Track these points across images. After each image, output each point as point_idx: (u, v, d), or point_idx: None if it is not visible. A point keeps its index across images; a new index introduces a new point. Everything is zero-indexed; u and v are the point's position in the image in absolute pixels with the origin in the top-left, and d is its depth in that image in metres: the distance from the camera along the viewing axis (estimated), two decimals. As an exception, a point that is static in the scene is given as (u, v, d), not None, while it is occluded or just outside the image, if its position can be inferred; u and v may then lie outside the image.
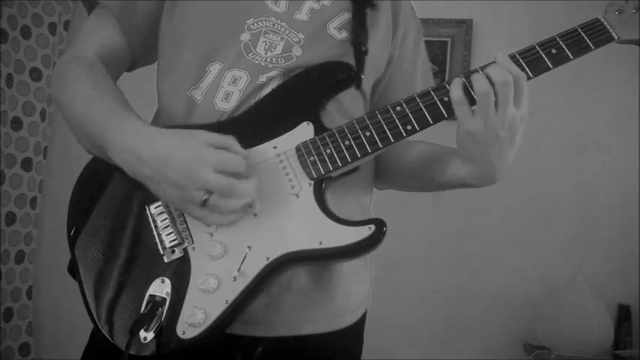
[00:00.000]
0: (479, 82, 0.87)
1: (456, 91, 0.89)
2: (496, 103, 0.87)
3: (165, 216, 0.92)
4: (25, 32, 2.55)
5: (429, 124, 0.93)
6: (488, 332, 2.45)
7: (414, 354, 2.45)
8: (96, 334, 0.92)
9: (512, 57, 0.92)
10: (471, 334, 2.47)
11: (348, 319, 1.04)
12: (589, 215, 2.44)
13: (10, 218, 2.54)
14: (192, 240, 0.90)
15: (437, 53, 2.56)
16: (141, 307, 0.88)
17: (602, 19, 0.95)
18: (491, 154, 0.90)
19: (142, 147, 0.86)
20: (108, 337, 0.89)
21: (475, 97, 0.88)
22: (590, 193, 2.45)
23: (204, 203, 0.83)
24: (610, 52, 2.38)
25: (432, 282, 2.51)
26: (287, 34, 1.01)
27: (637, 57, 2.29)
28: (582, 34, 0.94)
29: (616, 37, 0.94)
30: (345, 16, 1.05)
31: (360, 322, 1.08)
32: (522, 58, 0.92)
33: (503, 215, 2.49)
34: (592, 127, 2.47)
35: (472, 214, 2.51)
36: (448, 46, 2.57)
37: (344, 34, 1.04)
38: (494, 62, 0.90)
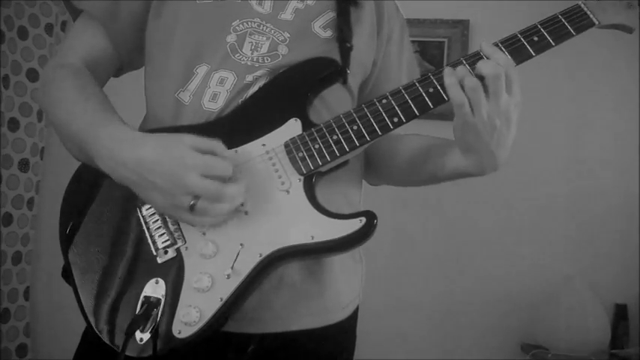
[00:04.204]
0: (467, 78, 0.88)
1: (456, 92, 0.89)
2: (488, 94, 0.88)
3: (156, 217, 0.92)
4: (22, 33, 2.55)
5: (415, 116, 0.94)
6: (485, 332, 2.45)
7: (410, 354, 2.45)
8: (89, 335, 0.93)
9: (495, 46, 0.93)
10: (469, 333, 2.47)
11: (340, 315, 1.05)
12: (586, 215, 2.44)
13: (7, 219, 2.54)
14: (185, 240, 0.90)
15: (434, 54, 2.55)
16: (136, 308, 0.88)
17: (582, 5, 0.96)
18: (490, 144, 0.91)
19: (127, 153, 0.86)
20: (104, 339, 0.89)
21: (466, 92, 0.88)
22: (587, 193, 2.45)
23: (191, 208, 0.84)
24: (609, 53, 2.39)
25: (430, 282, 2.51)
26: (272, 34, 1.02)
27: (637, 57, 2.30)
28: (563, 20, 0.94)
29: (596, 22, 0.95)
30: (330, 15, 1.06)
31: (352, 318, 1.08)
32: (505, 47, 0.93)
33: (500, 215, 2.49)
34: (590, 127, 2.47)
35: (469, 215, 2.51)
36: (445, 47, 2.56)
37: (329, 33, 1.05)
38: (479, 52, 0.91)
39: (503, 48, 0.93)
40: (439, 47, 2.56)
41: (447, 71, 0.90)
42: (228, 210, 0.87)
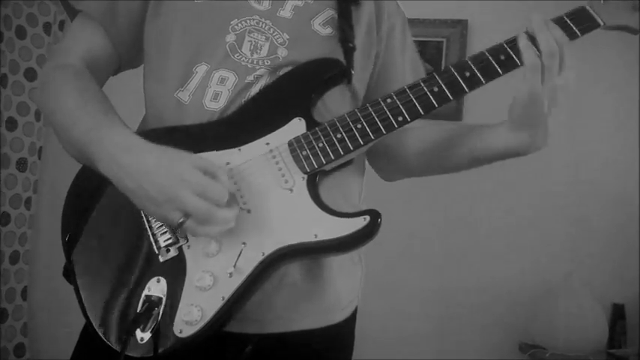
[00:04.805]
0: (548, 42, 0.89)
1: (532, 57, 0.89)
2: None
3: None
4: (20, 32, 2.54)
5: (420, 115, 0.94)
6: (483, 331, 2.45)
7: (409, 353, 2.45)
8: (88, 334, 0.92)
9: (500, 46, 0.94)
10: (467, 333, 2.47)
11: (339, 316, 1.05)
12: (584, 214, 2.44)
13: (5, 219, 2.53)
14: (187, 238, 0.90)
15: (432, 53, 2.56)
16: (137, 307, 0.88)
17: (588, 7, 0.97)
18: (547, 118, 0.92)
19: (128, 160, 0.86)
20: (105, 339, 0.89)
21: (542, 58, 0.89)
22: (585, 192, 2.45)
23: (179, 226, 0.83)
24: (609, 52, 2.38)
25: (428, 281, 2.51)
26: (271, 34, 1.02)
27: (637, 55, 2.31)
28: (568, 21, 0.95)
29: (602, 24, 0.96)
30: (329, 13, 1.06)
31: (351, 319, 1.08)
32: (510, 48, 0.93)
33: (499, 214, 2.49)
34: (590, 125, 2.47)
35: (468, 214, 2.52)
36: (443, 47, 2.56)
37: (329, 30, 1.05)
38: (526, 32, 0.92)
39: (508, 48, 0.93)
40: (437, 47, 2.57)
41: (523, 34, 0.91)
42: (217, 233, 0.86)
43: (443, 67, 2.54)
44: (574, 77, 0.90)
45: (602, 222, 2.42)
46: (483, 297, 2.47)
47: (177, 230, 0.85)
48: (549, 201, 2.47)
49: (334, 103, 1.03)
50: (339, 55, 1.02)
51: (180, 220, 0.82)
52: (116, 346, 0.88)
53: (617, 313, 2.31)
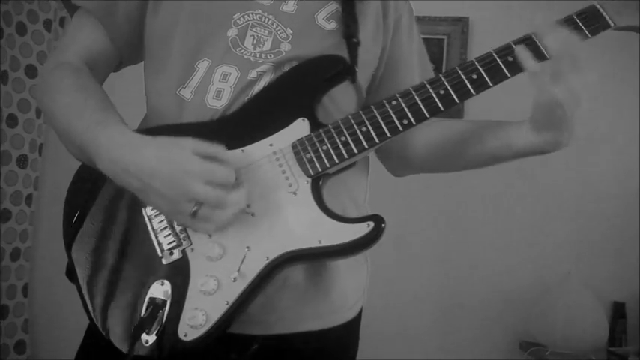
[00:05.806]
0: (555, 42, 0.86)
1: (530, 61, 0.88)
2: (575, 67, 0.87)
3: (162, 217, 0.91)
4: (21, 29, 2.53)
5: (426, 118, 0.92)
6: (484, 330, 2.46)
7: (409, 352, 2.45)
8: (93, 332, 0.92)
9: (507, 47, 0.92)
10: (467, 331, 2.48)
11: (345, 316, 1.04)
12: (584, 212, 2.44)
13: (6, 216, 2.53)
14: (191, 241, 0.90)
15: (433, 51, 2.55)
16: (141, 309, 0.88)
17: (598, 6, 0.93)
18: (572, 119, 0.89)
19: (128, 158, 0.85)
20: (109, 339, 0.89)
21: (552, 61, 0.87)
22: (585, 190, 2.45)
23: (193, 215, 0.83)
24: (610, 50, 2.38)
25: (428, 280, 2.52)
26: (274, 29, 1.00)
27: (637, 55, 2.30)
28: (578, 21, 0.93)
29: (612, 24, 0.93)
30: (333, 6, 1.04)
31: (357, 319, 1.08)
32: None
33: (498, 213, 2.49)
34: (589, 124, 2.46)
35: (467, 212, 2.52)
36: (445, 44, 2.57)
37: (333, 24, 1.03)
38: (532, 35, 0.90)
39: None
40: (439, 45, 2.57)
41: (520, 46, 0.89)
42: (231, 216, 0.86)
43: (445, 67, 2.54)
44: (594, 78, 0.87)
45: (602, 220, 2.42)
46: (483, 295, 2.47)
47: (194, 216, 0.83)
48: (549, 199, 2.47)
49: (341, 99, 1.02)
50: (343, 51, 1.00)
51: (194, 210, 0.82)
52: (121, 347, 0.88)
53: (618, 312, 2.31)
